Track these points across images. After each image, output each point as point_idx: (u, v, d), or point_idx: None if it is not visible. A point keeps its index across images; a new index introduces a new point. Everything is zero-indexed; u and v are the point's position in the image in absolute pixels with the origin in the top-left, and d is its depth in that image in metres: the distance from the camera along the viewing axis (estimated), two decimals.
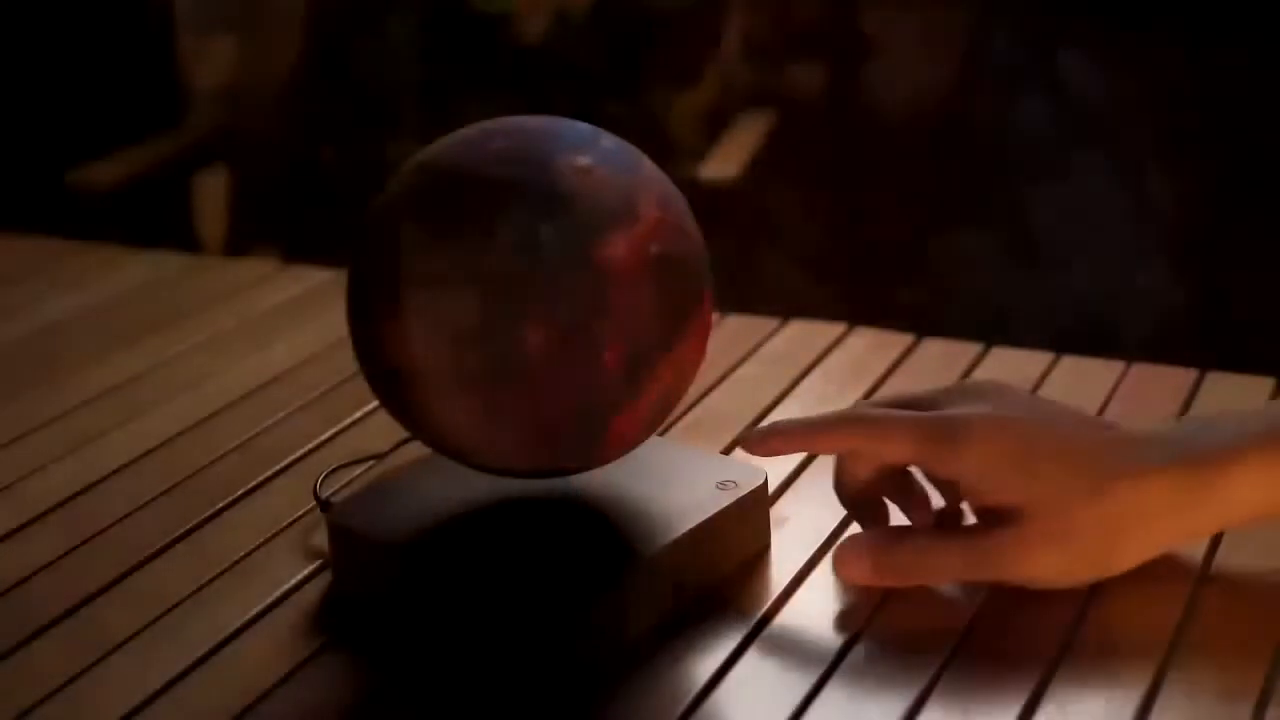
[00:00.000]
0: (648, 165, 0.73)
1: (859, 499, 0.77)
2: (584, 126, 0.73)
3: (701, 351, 0.73)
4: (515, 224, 0.68)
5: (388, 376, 0.71)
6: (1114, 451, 0.70)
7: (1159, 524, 0.70)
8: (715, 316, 1.05)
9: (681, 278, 0.70)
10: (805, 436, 0.74)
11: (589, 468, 0.73)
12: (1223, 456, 0.69)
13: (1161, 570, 0.72)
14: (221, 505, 0.84)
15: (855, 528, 0.78)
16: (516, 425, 0.69)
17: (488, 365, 0.68)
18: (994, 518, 0.70)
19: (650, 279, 0.69)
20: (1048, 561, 0.69)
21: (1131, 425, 0.73)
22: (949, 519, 0.76)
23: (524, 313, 0.67)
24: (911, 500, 0.77)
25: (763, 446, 0.74)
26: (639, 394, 0.70)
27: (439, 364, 0.68)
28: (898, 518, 0.77)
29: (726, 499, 0.75)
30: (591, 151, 0.71)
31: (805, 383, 0.96)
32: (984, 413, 0.72)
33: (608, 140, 0.72)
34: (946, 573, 0.71)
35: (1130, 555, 0.70)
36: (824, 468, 0.83)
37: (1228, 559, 0.74)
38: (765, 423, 0.91)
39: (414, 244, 0.69)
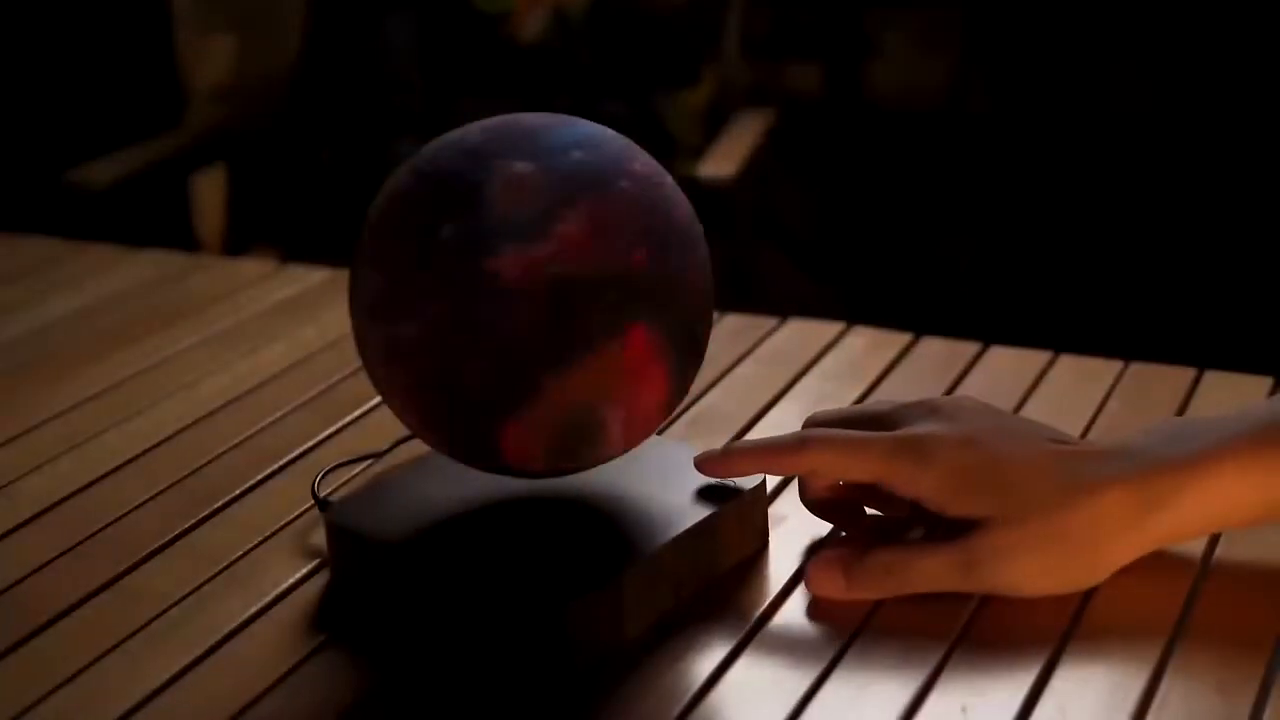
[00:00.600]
0: (620, 185, 0.70)
1: (827, 505, 0.77)
2: (576, 131, 0.72)
3: (636, 386, 0.70)
4: (427, 219, 0.70)
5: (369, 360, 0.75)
6: (1073, 465, 0.70)
7: (1120, 535, 0.70)
8: (715, 315, 1.05)
9: (588, 306, 0.68)
10: (765, 458, 0.74)
11: (494, 470, 0.73)
12: (1178, 470, 0.69)
13: (1160, 564, 0.72)
14: (220, 504, 0.84)
15: (834, 535, 0.78)
16: (408, 406, 0.72)
17: (382, 347, 0.71)
18: (964, 526, 0.70)
19: (540, 299, 0.68)
20: (1019, 569, 0.70)
21: (1096, 438, 0.73)
22: (925, 514, 0.76)
23: (411, 304, 0.69)
24: (882, 498, 0.77)
25: (722, 466, 0.75)
26: (521, 409, 0.69)
27: (363, 336, 0.72)
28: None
29: (725, 499, 0.75)
30: (552, 159, 0.70)
31: (803, 382, 0.96)
32: (945, 431, 0.72)
33: (588, 153, 0.71)
34: (921, 584, 0.71)
35: (1100, 566, 0.70)
36: None
37: (1227, 553, 0.74)
38: (763, 422, 0.91)
39: (380, 232, 0.72)
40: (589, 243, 0.68)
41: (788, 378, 0.97)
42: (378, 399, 0.96)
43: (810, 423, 0.78)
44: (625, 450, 0.73)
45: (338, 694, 0.68)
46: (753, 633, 0.71)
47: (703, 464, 0.75)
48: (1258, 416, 0.70)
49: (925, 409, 0.74)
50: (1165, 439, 0.71)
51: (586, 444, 0.71)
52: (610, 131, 0.73)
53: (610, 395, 0.70)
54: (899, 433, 0.72)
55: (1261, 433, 0.69)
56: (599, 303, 0.68)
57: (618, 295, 0.69)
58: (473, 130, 0.73)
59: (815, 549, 0.77)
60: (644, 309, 0.69)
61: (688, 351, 0.72)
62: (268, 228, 2.47)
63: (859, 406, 0.78)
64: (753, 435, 0.90)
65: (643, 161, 0.72)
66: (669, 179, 0.74)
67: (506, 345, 0.68)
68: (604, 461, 0.73)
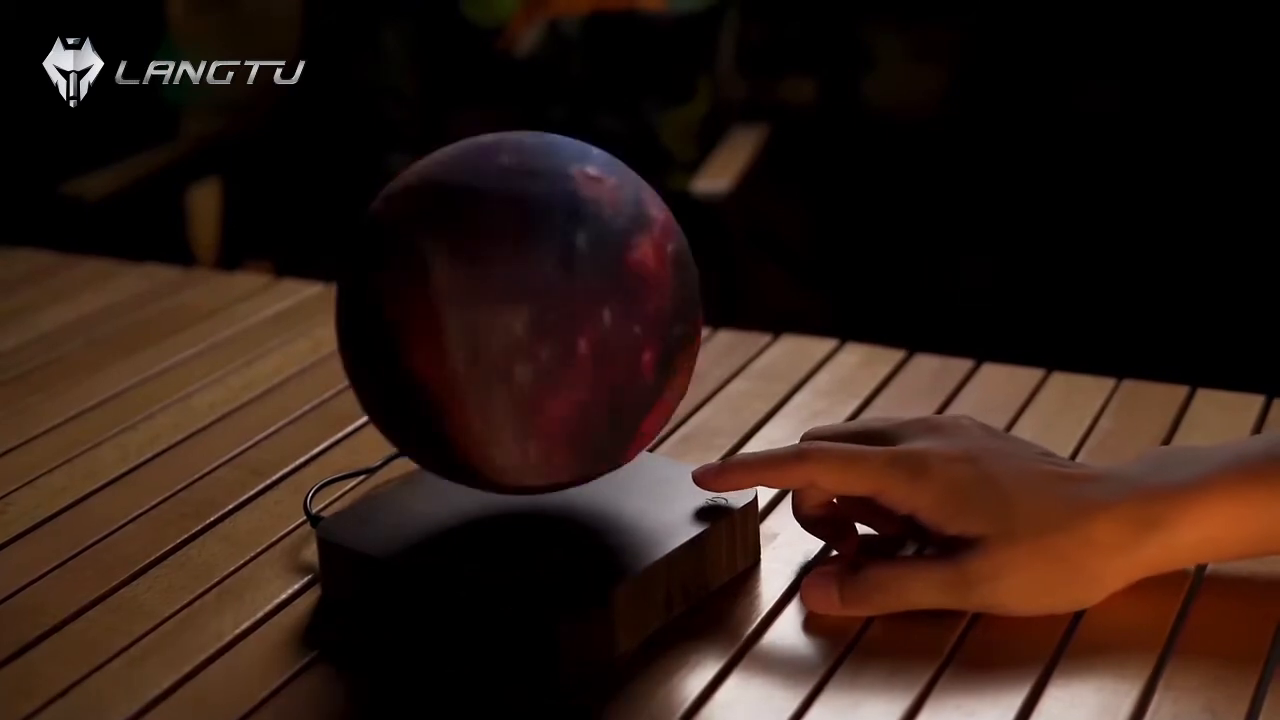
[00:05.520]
0: (631, 170, 0.75)
1: (820, 521, 0.77)
2: (570, 141, 0.74)
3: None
4: (550, 237, 0.68)
5: (409, 395, 0.70)
6: (1069, 487, 0.71)
7: (1112, 559, 0.70)
8: (706, 332, 1.05)
9: (691, 271, 0.74)
10: (762, 471, 0.74)
11: (612, 469, 0.74)
12: (1172, 496, 0.70)
13: (1150, 585, 0.72)
14: (212, 519, 0.84)
15: (825, 553, 0.78)
16: (555, 435, 0.69)
17: (537, 379, 0.68)
18: (958, 544, 0.70)
19: (672, 277, 0.71)
20: (1011, 589, 0.70)
21: (1088, 456, 0.73)
22: (919, 531, 0.76)
23: (570, 324, 0.68)
24: (877, 515, 0.77)
25: (719, 480, 0.75)
26: (665, 390, 0.72)
27: (485, 380, 0.68)
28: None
29: (716, 515, 0.75)
30: (592, 161, 0.72)
31: (796, 398, 0.96)
32: (943, 448, 0.72)
33: (596, 151, 0.74)
34: (914, 601, 0.71)
35: (1092, 589, 0.70)
36: None
37: (1216, 573, 0.74)
38: (755, 439, 0.91)
39: (444, 263, 0.68)
40: (669, 218, 0.73)
41: (780, 394, 0.97)
42: (366, 418, 0.96)
43: (808, 437, 0.78)
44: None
45: (329, 709, 0.68)
46: (743, 650, 0.71)
47: (701, 478, 0.75)
48: (1251, 449, 0.70)
49: (924, 426, 0.74)
50: (1160, 466, 0.71)
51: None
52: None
53: (698, 340, 0.75)
54: (897, 448, 0.73)
55: (1254, 465, 0.69)
56: (693, 270, 0.74)
57: (694, 263, 0.74)
58: (490, 152, 0.72)
59: (807, 567, 0.77)
60: (696, 271, 0.75)
61: None
62: (261, 241, 2.47)
63: (857, 422, 0.78)
64: (745, 452, 0.90)
65: None
66: None
67: (666, 328, 0.71)
68: None
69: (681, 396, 0.75)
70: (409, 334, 0.69)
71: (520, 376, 0.68)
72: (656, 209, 0.73)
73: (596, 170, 0.72)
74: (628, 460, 0.74)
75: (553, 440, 0.70)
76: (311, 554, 0.80)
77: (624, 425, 0.71)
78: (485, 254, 0.68)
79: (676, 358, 0.72)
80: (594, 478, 0.74)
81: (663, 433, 0.92)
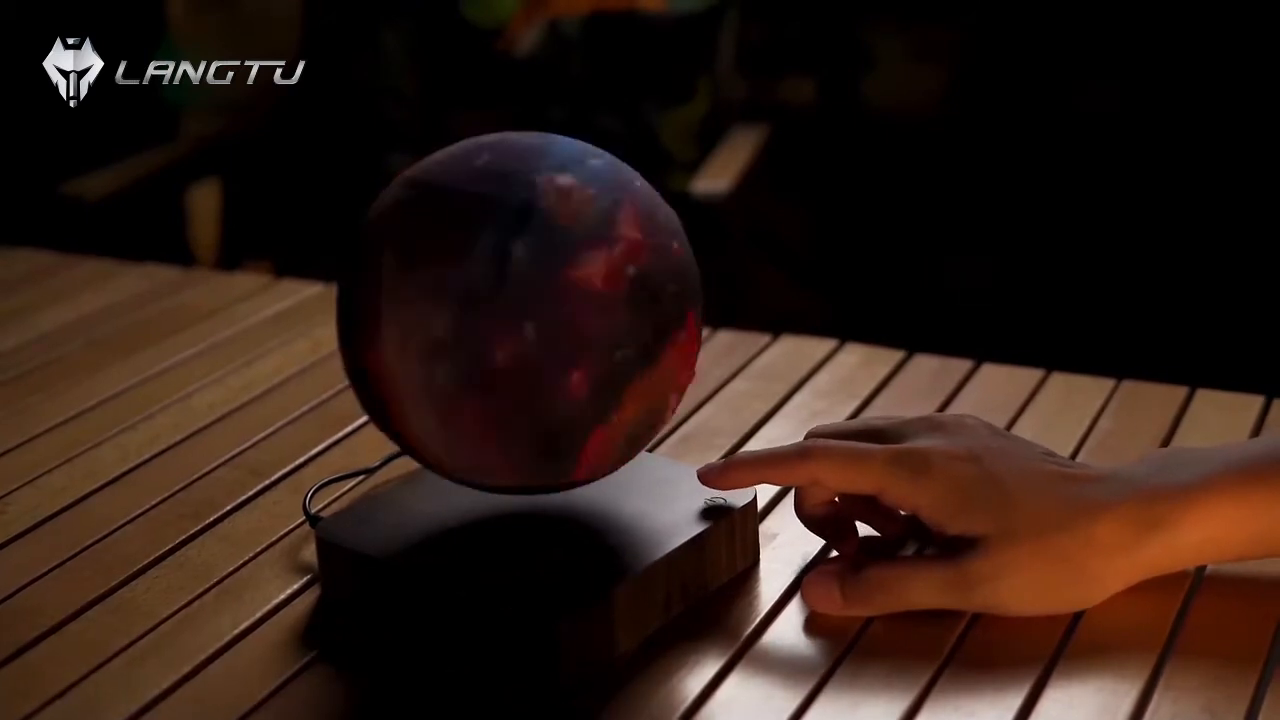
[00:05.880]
0: (637, 185, 0.73)
1: (822, 520, 0.77)
2: (573, 144, 0.73)
3: (688, 369, 0.73)
4: (487, 241, 0.68)
5: (370, 394, 0.72)
6: (1071, 487, 0.71)
7: (1113, 560, 0.70)
8: (706, 332, 1.05)
9: (661, 299, 0.70)
10: (766, 468, 0.74)
11: (563, 488, 0.73)
12: (1173, 497, 0.70)
13: (1150, 585, 0.72)
14: (211, 519, 0.84)
15: (825, 553, 0.78)
16: (484, 441, 0.70)
17: (456, 381, 0.68)
18: (960, 544, 0.70)
19: (626, 301, 0.69)
20: (1012, 589, 0.70)
21: (1088, 457, 0.73)
22: (920, 532, 0.76)
23: (491, 329, 0.68)
24: (878, 514, 0.77)
25: (722, 478, 0.75)
26: (609, 415, 0.70)
27: (411, 379, 0.69)
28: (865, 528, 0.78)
29: (716, 516, 0.75)
30: (576, 170, 0.71)
31: (796, 399, 0.96)
32: (946, 446, 0.72)
33: (596, 159, 0.72)
34: (915, 600, 0.71)
35: (1093, 590, 0.70)
36: None
37: (1215, 574, 0.74)
38: (755, 439, 0.91)
39: (393, 260, 0.70)
40: (645, 239, 0.70)
41: (780, 395, 0.97)
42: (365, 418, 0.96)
43: (812, 435, 0.78)
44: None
45: (328, 709, 0.68)
46: (743, 650, 0.71)
47: (704, 477, 0.75)
48: (1253, 450, 0.70)
49: (927, 424, 0.74)
50: (1162, 467, 0.71)
51: (650, 436, 0.73)
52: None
53: (676, 383, 0.72)
54: (900, 446, 0.72)
55: (1256, 466, 0.69)
56: (665, 294, 0.71)
57: (676, 286, 0.71)
58: (474, 152, 0.72)
59: (807, 566, 0.77)
60: (692, 295, 0.73)
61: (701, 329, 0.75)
62: (261, 241, 2.47)
63: (860, 420, 0.78)
64: (748, 449, 0.90)
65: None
66: None
67: (604, 351, 0.69)
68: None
69: (651, 420, 0.72)
70: (362, 329, 0.70)
71: (440, 378, 0.69)
72: (633, 229, 0.70)
73: (571, 179, 0.70)
74: (579, 480, 0.73)
75: (477, 444, 0.70)
76: (311, 554, 0.80)
77: (558, 443, 0.70)
78: (423, 254, 0.69)
79: (624, 388, 0.70)
80: (550, 488, 0.73)
81: (661, 433, 0.92)
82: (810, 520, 0.77)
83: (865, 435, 0.76)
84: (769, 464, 0.74)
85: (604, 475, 0.74)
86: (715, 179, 2.13)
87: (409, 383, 0.69)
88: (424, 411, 0.70)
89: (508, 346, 0.68)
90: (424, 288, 0.68)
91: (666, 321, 0.71)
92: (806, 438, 0.78)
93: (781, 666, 0.69)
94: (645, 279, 0.70)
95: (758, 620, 0.73)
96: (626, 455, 0.73)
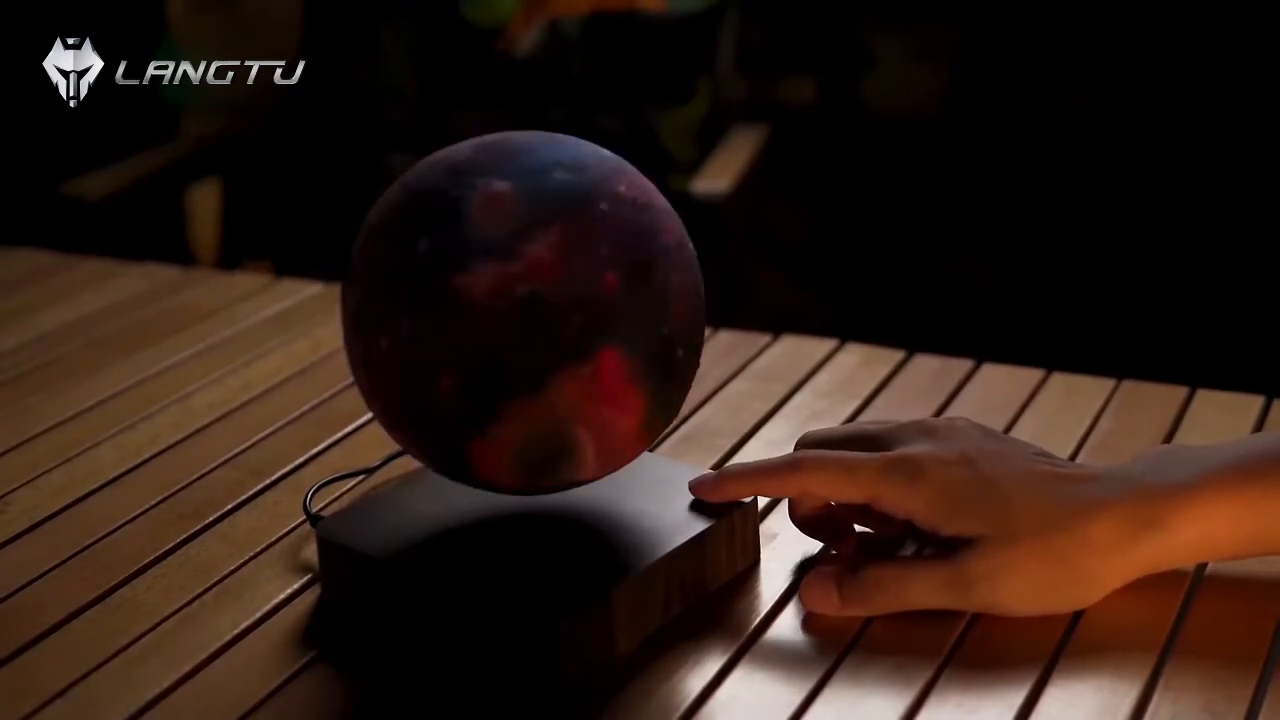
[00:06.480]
0: (600, 209, 0.70)
1: (817, 523, 0.77)
2: (569, 149, 0.72)
3: (611, 409, 0.70)
4: (403, 237, 0.70)
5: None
6: (1066, 487, 0.70)
7: (1110, 558, 0.70)
8: (706, 332, 1.05)
9: (556, 327, 0.68)
10: (758, 480, 0.74)
11: (467, 482, 0.73)
12: (1169, 495, 0.70)
13: (1149, 584, 0.72)
14: (211, 518, 0.84)
15: (825, 553, 0.78)
16: (390, 423, 0.73)
17: (360, 366, 0.72)
18: (957, 544, 0.70)
19: (507, 319, 0.68)
20: (1010, 589, 0.70)
21: (1088, 457, 0.73)
22: (917, 531, 0.76)
23: (384, 317, 0.70)
24: (874, 518, 0.77)
25: (715, 491, 0.75)
26: (486, 429, 0.69)
27: (349, 346, 0.74)
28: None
29: (716, 515, 0.75)
30: (532, 178, 0.70)
31: (795, 399, 0.96)
32: (938, 451, 0.72)
33: (571, 174, 0.70)
34: (913, 601, 0.71)
35: (1090, 589, 0.70)
36: None
37: (1215, 573, 0.74)
38: (755, 439, 0.91)
39: (355, 249, 0.74)
40: (559, 264, 0.68)
41: (780, 395, 0.97)
42: (370, 414, 0.96)
43: (803, 443, 0.78)
44: (602, 474, 0.73)
45: (328, 710, 0.68)
46: (744, 649, 0.71)
47: (696, 489, 0.75)
48: (1250, 448, 0.70)
49: (918, 429, 0.74)
50: (1158, 465, 0.71)
51: (556, 466, 0.71)
52: (604, 152, 0.73)
53: (581, 418, 0.69)
54: (891, 453, 0.72)
55: (1252, 464, 0.69)
56: (566, 324, 0.68)
57: (585, 318, 0.68)
58: (463, 148, 0.73)
59: (807, 566, 0.77)
60: (617, 333, 0.69)
61: (669, 376, 0.71)
62: (261, 241, 2.46)
63: (852, 426, 0.78)
64: (745, 452, 0.90)
65: (630, 183, 0.72)
66: (659, 200, 0.73)
67: (474, 362, 0.68)
68: (581, 484, 0.73)
69: (549, 462, 0.70)
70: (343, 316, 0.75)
71: (356, 360, 0.73)
72: (551, 251, 0.68)
73: (508, 187, 0.69)
74: (478, 479, 0.72)
75: (392, 428, 0.73)
76: (311, 554, 0.80)
77: (440, 442, 0.71)
78: (368, 244, 0.72)
79: (499, 404, 0.68)
80: (541, 490, 0.73)
81: (658, 437, 0.91)
82: (804, 523, 0.77)
83: (856, 441, 0.76)
84: (760, 476, 0.74)
85: (511, 494, 0.74)
86: (715, 179, 2.13)
87: (353, 364, 0.74)
88: (364, 392, 0.74)
89: (386, 338, 0.70)
90: (356, 276, 0.73)
91: (559, 351, 0.68)
92: (797, 446, 0.78)
93: (782, 666, 0.69)
94: (539, 302, 0.68)
95: (758, 620, 0.73)
96: (527, 481, 0.71)
